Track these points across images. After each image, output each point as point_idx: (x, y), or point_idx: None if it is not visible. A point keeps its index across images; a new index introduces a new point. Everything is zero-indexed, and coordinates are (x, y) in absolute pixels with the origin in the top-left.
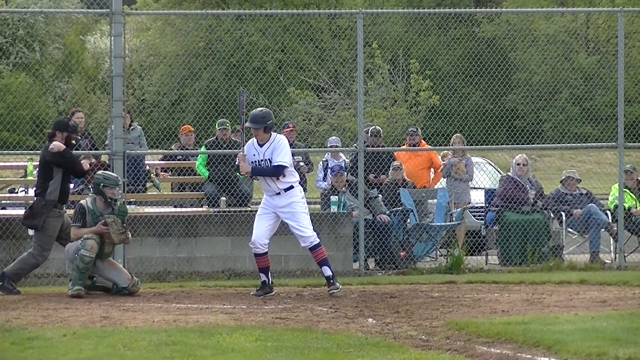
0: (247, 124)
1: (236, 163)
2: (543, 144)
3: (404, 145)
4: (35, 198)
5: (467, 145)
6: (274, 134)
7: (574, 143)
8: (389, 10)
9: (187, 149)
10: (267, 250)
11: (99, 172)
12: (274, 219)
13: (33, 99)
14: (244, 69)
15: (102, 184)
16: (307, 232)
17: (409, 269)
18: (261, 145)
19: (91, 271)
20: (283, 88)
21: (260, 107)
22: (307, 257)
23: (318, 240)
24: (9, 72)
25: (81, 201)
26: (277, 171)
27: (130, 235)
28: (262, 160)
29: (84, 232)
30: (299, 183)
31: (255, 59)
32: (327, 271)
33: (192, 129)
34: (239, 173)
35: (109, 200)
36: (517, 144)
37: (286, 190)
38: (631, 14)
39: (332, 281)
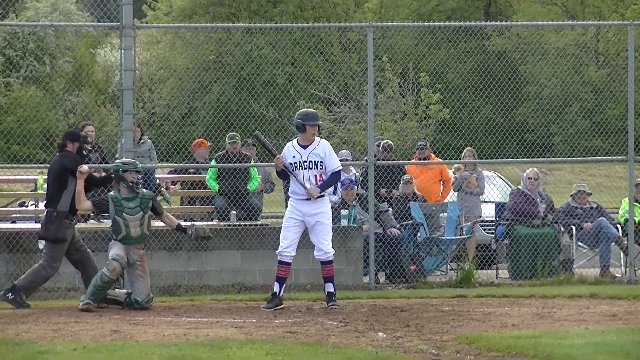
0: (309, 122)
1: (306, 190)
2: (553, 157)
3: (413, 159)
4: (46, 210)
5: (478, 158)
6: (317, 137)
7: (584, 156)
8: (399, 23)
9: (198, 163)
10: (292, 261)
11: (116, 161)
12: (301, 230)
13: (43, 112)
14: (254, 82)
15: (120, 170)
16: (328, 245)
17: (419, 282)
18: (304, 147)
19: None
20: (293, 101)
21: (270, 120)
22: (317, 271)
23: (333, 257)
24: (19, 85)
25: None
26: (339, 177)
27: (208, 233)
28: (304, 161)
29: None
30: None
31: (266, 72)
32: (331, 287)
33: (207, 143)
34: (312, 196)
35: (131, 184)
36: (528, 157)
37: (317, 197)
38: None
39: (334, 298)
